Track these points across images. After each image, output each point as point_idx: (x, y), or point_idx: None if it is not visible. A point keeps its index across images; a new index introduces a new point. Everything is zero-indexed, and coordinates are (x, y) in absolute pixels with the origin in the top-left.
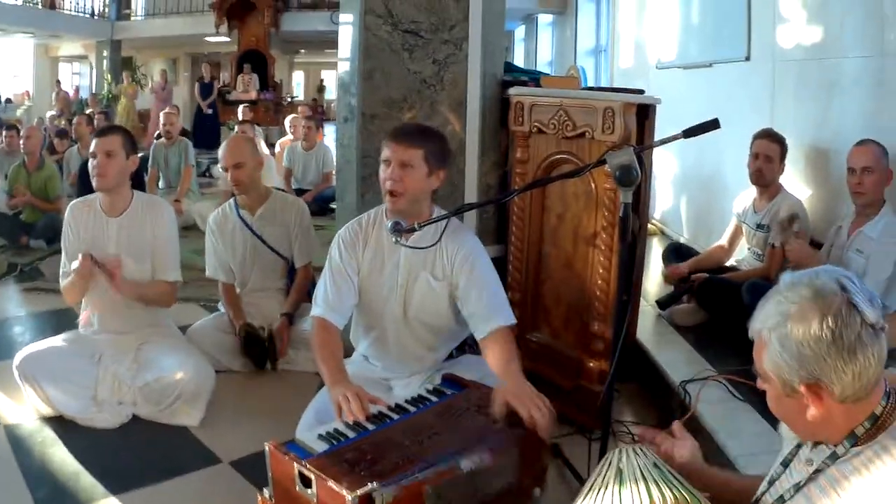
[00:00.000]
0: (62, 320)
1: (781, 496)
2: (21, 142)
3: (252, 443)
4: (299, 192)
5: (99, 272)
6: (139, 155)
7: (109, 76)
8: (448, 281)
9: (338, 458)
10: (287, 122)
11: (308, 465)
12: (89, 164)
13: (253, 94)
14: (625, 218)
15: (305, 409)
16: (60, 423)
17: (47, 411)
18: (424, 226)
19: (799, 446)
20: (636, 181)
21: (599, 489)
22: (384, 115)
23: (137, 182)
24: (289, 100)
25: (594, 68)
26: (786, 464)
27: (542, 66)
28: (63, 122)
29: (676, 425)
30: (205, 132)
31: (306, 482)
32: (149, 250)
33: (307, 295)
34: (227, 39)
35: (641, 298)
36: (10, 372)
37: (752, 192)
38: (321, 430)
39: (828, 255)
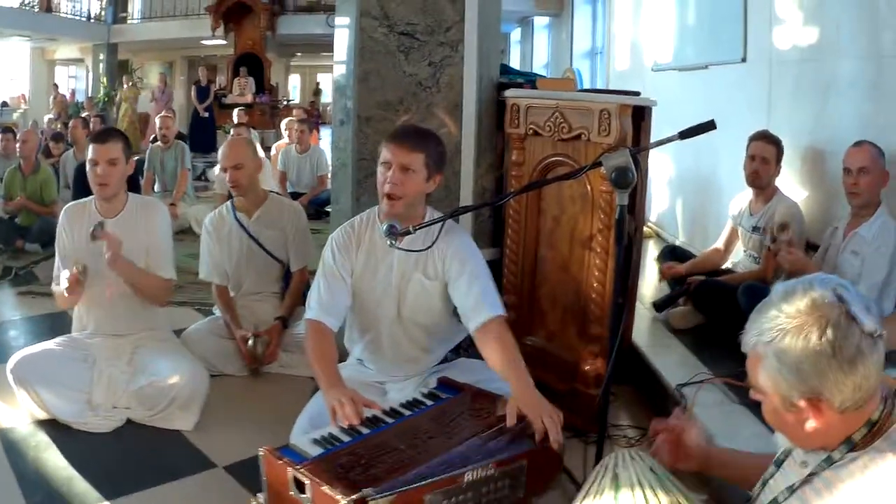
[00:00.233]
0: (57, 324)
1: (775, 498)
2: (17, 146)
3: (247, 447)
4: (294, 196)
5: (89, 282)
6: (135, 158)
7: (105, 79)
8: (440, 280)
9: (332, 462)
10: (283, 125)
11: (302, 470)
12: (88, 170)
13: (249, 98)
14: (621, 220)
15: (300, 413)
16: (54, 427)
17: (41, 415)
18: (419, 229)
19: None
20: (632, 183)
21: (595, 494)
22: (380, 118)
23: (133, 186)
24: (285, 103)
25: (590, 70)
26: (778, 463)
27: (538, 68)
28: (59, 126)
29: (677, 412)
30: (201, 136)
31: (300, 487)
32: (143, 251)
33: (302, 299)
34: (224, 43)
35: (637, 301)
36: (3, 376)
37: (747, 194)
38: (315, 434)
39: (823, 257)
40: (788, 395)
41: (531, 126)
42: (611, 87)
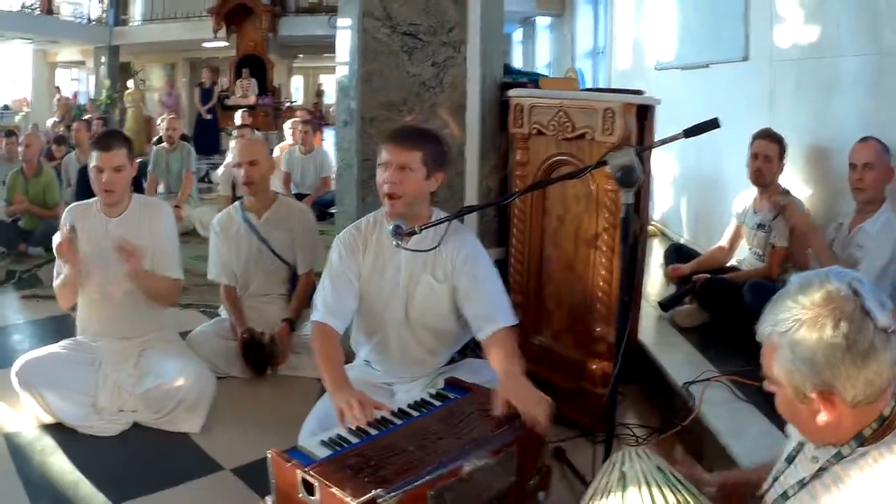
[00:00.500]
0: (61, 327)
1: (785, 492)
2: (20, 149)
3: (254, 449)
4: (298, 197)
5: (94, 284)
6: (138, 161)
7: (108, 82)
8: (449, 283)
9: (341, 464)
10: (287, 126)
11: (311, 472)
12: (93, 177)
13: (252, 99)
14: (626, 219)
15: (307, 415)
16: (60, 431)
17: (47, 419)
18: (425, 229)
19: (804, 442)
20: (637, 182)
21: (603, 493)
22: (383, 118)
23: (136, 187)
24: (288, 104)
25: (592, 70)
26: (790, 460)
27: (541, 68)
28: (62, 129)
29: (679, 452)
30: (204, 138)
31: (309, 489)
32: (147, 251)
33: (309, 301)
34: (226, 44)
35: (643, 300)
36: (8, 380)
37: (751, 192)
38: (324, 436)
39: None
40: (801, 387)
41: (535, 126)
42: (613, 87)
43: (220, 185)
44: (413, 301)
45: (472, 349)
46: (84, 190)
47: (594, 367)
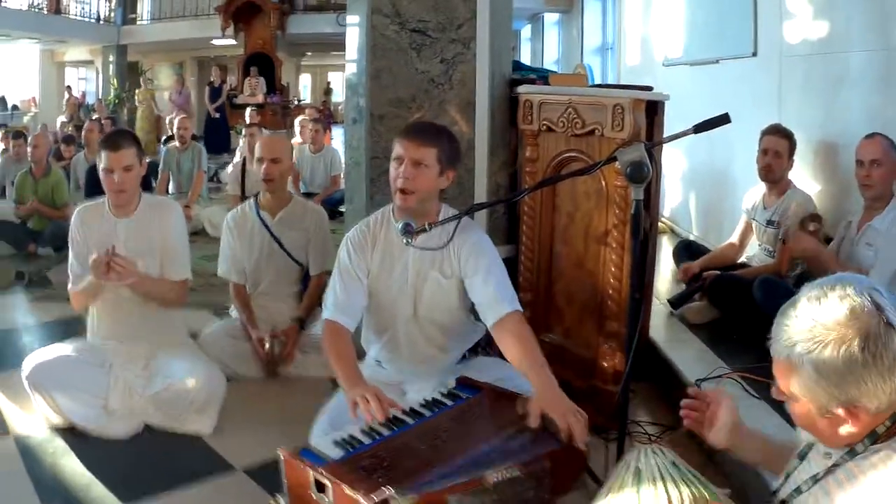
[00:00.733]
0: (71, 329)
1: (798, 487)
2: (29, 150)
3: (265, 449)
4: (307, 196)
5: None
6: (147, 160)
7: (116, 81)
8: (457, 277)
9: (354, 464)
10: (296, 124)
11: (324, 472)
12: (103, 178)
13: (260, 98)
14: (637, 215)
15: (318, 414)
16: (71, 433)
17: (58, 421)
18: (434, 227)
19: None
20: (647, 177)
21: (618, 490)
22: (393, 115)
23: (145, 186)
24: (296, 102)
25: (601, 66)
26: (802, 456)
27: (549, 64)
28: (71, 128)
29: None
30: (214, 136)
31: (322, 489)
32: (157, 250)
33: (319, 302)
34: (234, 43)
35: (653, 297)
36: (19, 381)
37: (761, 188)
38: (336, 435)
39: (837, 250)
40: (825, 404)
41: (544, 122)
42: (622, 83)
43: (229, 185)
44: (421, 298)
45: (484, 347)
46: (93, 189)
47: (605, 364)
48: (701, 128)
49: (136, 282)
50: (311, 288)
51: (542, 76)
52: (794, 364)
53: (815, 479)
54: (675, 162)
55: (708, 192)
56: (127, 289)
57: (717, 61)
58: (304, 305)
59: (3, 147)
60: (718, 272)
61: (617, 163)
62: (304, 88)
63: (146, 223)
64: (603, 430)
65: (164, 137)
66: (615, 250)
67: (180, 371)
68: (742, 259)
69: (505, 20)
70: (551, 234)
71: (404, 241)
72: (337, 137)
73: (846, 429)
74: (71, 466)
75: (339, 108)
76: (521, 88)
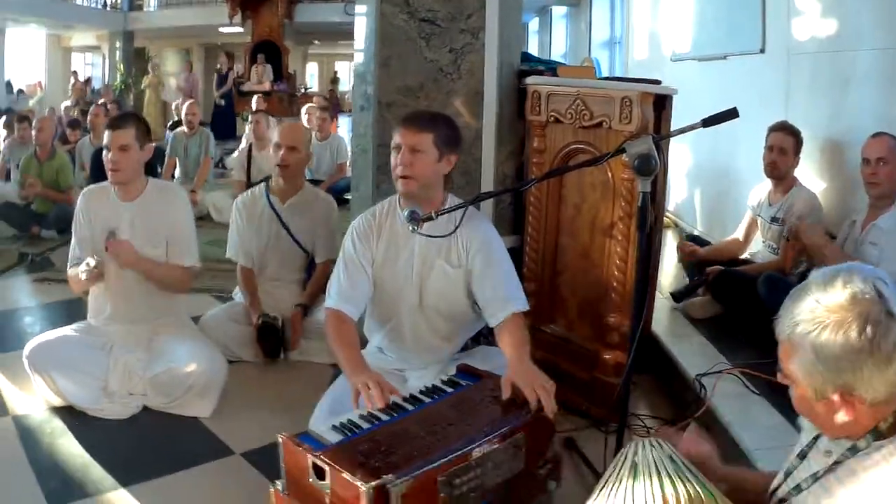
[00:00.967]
0: (73, 310)
1: (798, 485)
2: (33, 133)
3: (264, 434)
4: (313, 183)
5: (105, 268)
6: (153, 145)
7: (122, 67)
8: (464, 268)
9: (352, 449)
10: (303, 111)
11: (322, 457)
12: (104, 156)
13: (267, 85)
14: (643, 207)
15: (318, 400)
16: (70, 414)
17: (57, 402)
18: (441, 214)
19: (817, 437)
20: (655, 170)
21: (614, 483)
22: (401, 104)
23: (152, 172)
24: (303, 91)
25: (608, 60)
26: (803, 455)
27: (557, 58)
28: (76, 112)
29: (692, 430)
30: (220, 123)
31: (320, 474)
32: (163, 235)
33: (324, 289)
34: (241, 30)
35: (657, 291)
36: (20, 362)
37: (766, 184)
38: (335, 421)
39: (842, 249)
40: (821, 388)
41: (552, 113)
42: (630, 77)
43: (234, 171)
44: (427, 287)
45: (486, 336)
46: (98, 173)
47: (607, 356)
48: (709, 122)
49: (137, 265)
50: (316, 274)
51: (551, 68)
52: (795, 344)
53: (816, 478)
54: (681, 157)
55: (713, 188)
56: (128, 271)
57: (724, 57)
58: (309, 292)
59: (7, 133)
60: (722, 267)
61: (625, 155)
62: (311, 77)
63: (152, 207)
64: (602, 423)
65: (170, 123)
66: (620, 243)
67: (181, 354)
68: (746, 255)
69: (514, 11)
70: (557, 226)
71: (410, 228)
72: (343, 126)
73: (841, 416)
74: (69, 447)
75: (346, 96)
76: (530, 79)
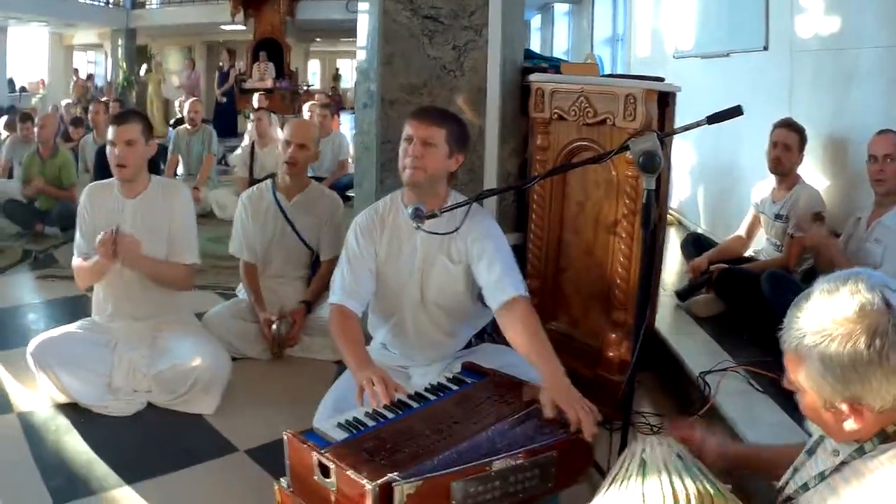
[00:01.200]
0: (77, 307)
1: (805, 483)
2: (35, 130)
3: (269, 431)
4: (315, 180)
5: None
6: (157, 141)
7: (125, 65)
8: (464, 263)
9: (357, 446)
10: (305, 109)
11: (327, 454)
12: (108, 152)
13: (269, 83)
14: (648, 205)
15: (323, 397)
16: (74, 411)
17: (61, 399)
18: (445, 212)
19: (824, 436)
20: (659, 167)
21: (623, 480)
22: (404, 101)
23: (154, 169)
24: (305, 88)
25: (611, 57)
26: (811, 452)
27: (559, 55)
28: (79, 110)
29: (693, 423)
30: (221, 120)
31: (325, 471)
32: (165, 232)
33: (328, 286)
34: (243, 28)
35: (660, 288)
36: (24, 359)
37: (770, 181)
38: (340, 418)
39: (846, 246)
40: (830, 398)
41: (556, 110)
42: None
43: (237, 167)
44: (428, 283)
45: (490, 333)
46: (102, 171)
47: (611, 354)
48: (714, 119)
49: (140, 262)
50: (321, 272)
51: (554, 65)
52: (802, 355)
53: (822, 477)
54: (684, 155)
55: (716, 185)
56: (130, 268)
57: (727, 54)
58: (313, 289)
59: (8, 133)
60: (726, 265)
61: (629, 152)
62: (313, 74)
63: (154, 204)
64: (607, 420)
65: (173, 120)
66: (624, 240)
67: (185, 351)
68: (749, 252)
69: (517, 8)
70: (560, 223)
71: (414, 224)
72: (345, 123)
73: (850, 425)
74: (73, 444)
75: (348, 94)
76: (533, 76)
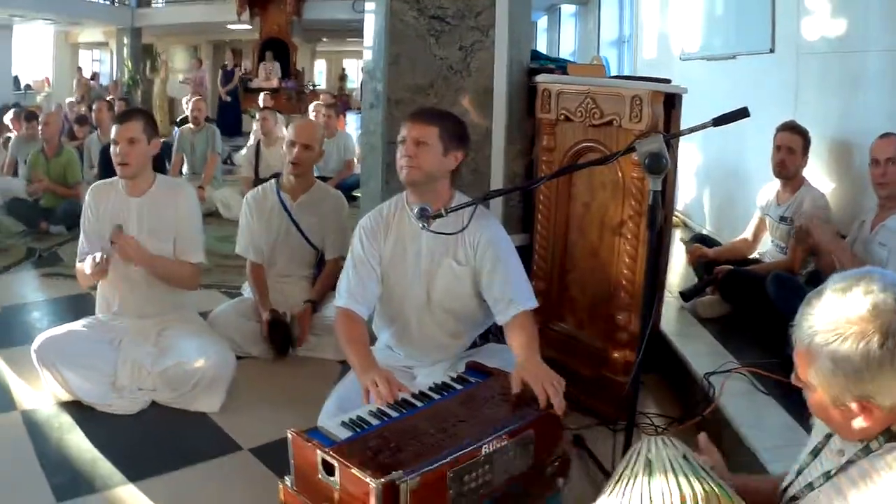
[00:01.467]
0: (81, 305)
1: (810, 483)
2: (40, 128)
3: (273, 430)
4: (321, 180)
5: (114, 263)
6: (160, 140)
7: (130, 63)
8: (471, 266)
9: (361, 445)
10: (311, 109)
11: (331, 453)
12: (111, 150)
13: (274, 82)
14: (654, 206)
15: (327, 396)
16: (78, 409)
17: (65, 397)
18: (451, 212)
19: (830, 435)
20: (665, 169)
21: (628, 479)
22: (410, 101)
23: (159, 167)
24: (311, 88)
25: (617, 59)
26: (815, 452)
27: (565, 56)
28: (83, 109)
29: (703, 438)
30: (226, 119)
31: (329, 470)
32: (170, 230)
33: (334, 286)
34: (249, 27)
35: (665, 290)
36: (28, 357)
37: (775, 184)
38: (344, 417)
39: (851, 250)
40: (840, 396)
41: (562, 112)
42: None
43: (243, 167)
44: (434, 284)
45: (494, 333)
46: (107, 170)
47: (616, 355)
48: (720, 121)
49: (144, 261)
50: (326, 270)
51: (561, 66)
52: (812, 353)
53: (828, 476)
54: (690, 156)
55: (721, 187)
56: (137, 266)
57: (734, 57)
58: (318, 289)
59: (10, 130)
60: (731, 267)
61: (635, 153)
62: (320, 74)
63: (159, 203)
64: (610, 421)
65: (179, 119)
66: (630, 241)
67: (190, 349)
68: (755, 255)
69: (524, 9)
70: (566, 224)
71: (420, 225)
72: (351, 123)
73: (858, 423)
74: (77, 442)
75: (354, 94)
76: (540, 77)
